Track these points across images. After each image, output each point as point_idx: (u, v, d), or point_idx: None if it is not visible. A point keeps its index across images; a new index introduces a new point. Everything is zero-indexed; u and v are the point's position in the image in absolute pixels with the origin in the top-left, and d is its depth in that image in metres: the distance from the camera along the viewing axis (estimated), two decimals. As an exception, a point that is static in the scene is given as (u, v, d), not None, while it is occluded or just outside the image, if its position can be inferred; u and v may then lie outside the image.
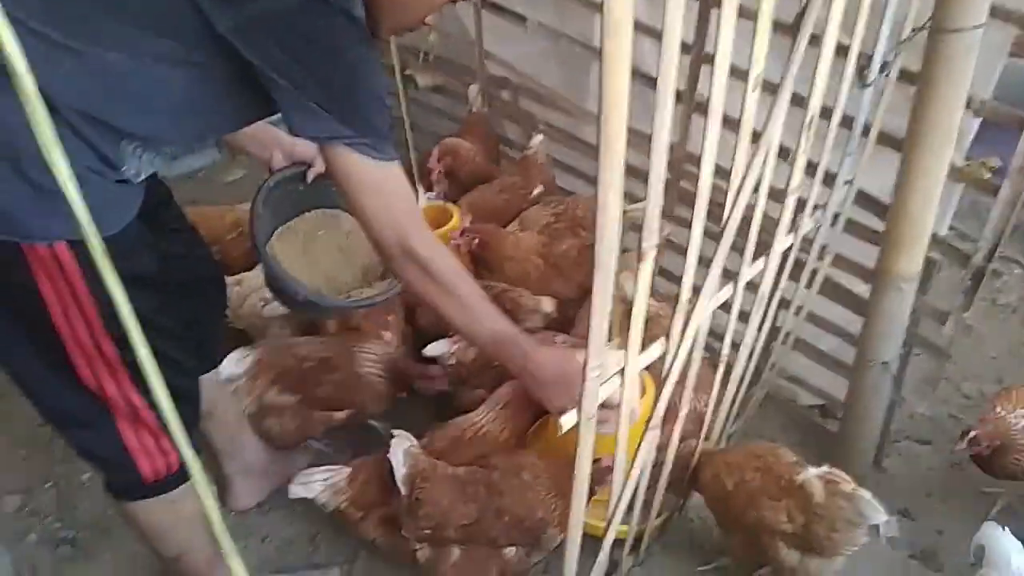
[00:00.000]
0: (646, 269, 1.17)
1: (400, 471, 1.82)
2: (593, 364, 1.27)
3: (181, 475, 1.63)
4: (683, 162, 2.52)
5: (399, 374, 2.29)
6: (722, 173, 1.39)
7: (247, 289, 2.50)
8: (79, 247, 1.29)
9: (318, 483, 1.97)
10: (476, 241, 2.62)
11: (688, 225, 1.33)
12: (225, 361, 2.13)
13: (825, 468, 1.81)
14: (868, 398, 2.21)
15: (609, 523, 1.65)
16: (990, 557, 1.57)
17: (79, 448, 1.58)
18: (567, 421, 1.37)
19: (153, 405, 1.47)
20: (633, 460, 1.60)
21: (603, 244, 1.07)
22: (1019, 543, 1.58)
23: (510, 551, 1.91)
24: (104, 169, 1.34)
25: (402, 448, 1.84)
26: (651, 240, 1.13)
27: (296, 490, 1.97)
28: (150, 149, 1.41)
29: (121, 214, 1.41)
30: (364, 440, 2.34)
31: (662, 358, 1.49)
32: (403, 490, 1.82)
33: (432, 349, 2.32)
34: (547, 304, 2.48)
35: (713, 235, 1.47)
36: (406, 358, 2.40)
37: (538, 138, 3.03)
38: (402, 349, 2.47)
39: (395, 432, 1.88)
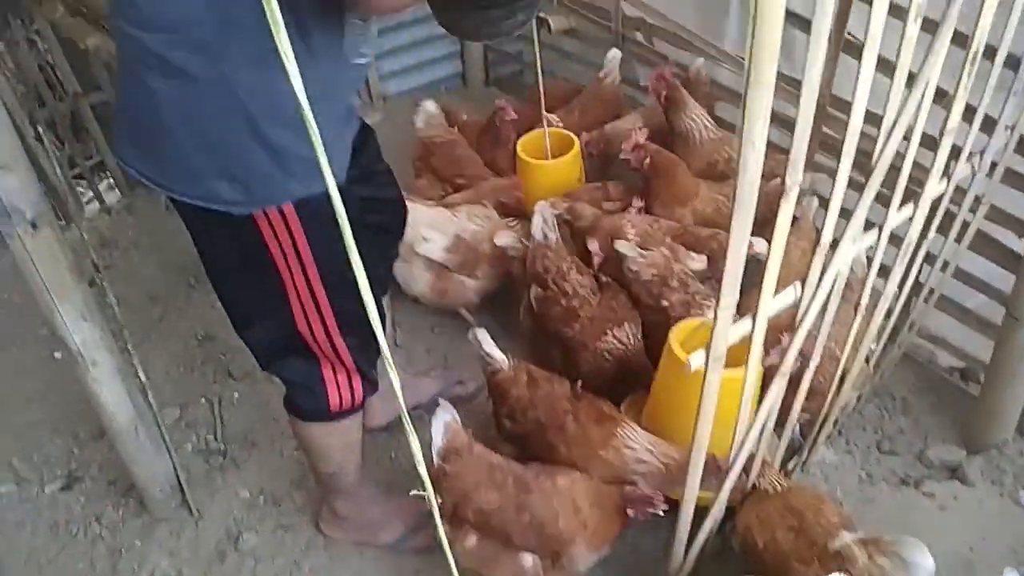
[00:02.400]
0: (787, 207, 1.15)
1: (438, 443, 1.83)
2: (725, 304, 1.26)
3: (357, 409, 1.80)
4: (827, 106, 2.40)
5: None
6: (868, 119, 1.33)
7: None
8: (303, 203, 1.39)
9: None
10: (647, 160, 2.51)
11: (829, 172, 1.28)
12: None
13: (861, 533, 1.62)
14: (1015, 360, 2.08)
15: (729, 470, 1.65)
16: None
17: (281, 375, 1.73)
18: (695, 361, 1.37)
19: (351, 348, 1.62)
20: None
21: (745, 181, 1.05)
22: None
23: (527, 559, 1.82)
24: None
25: (443, 420, 1.84)
26: (795, 176, 1.11)
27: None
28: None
29: (343, 155, 1.49)
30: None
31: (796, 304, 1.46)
32: (435, 460, 1.83)
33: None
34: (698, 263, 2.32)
35: (857, 186, 1.41)
36: None
37: (700, 60, 2.90)
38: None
39: (441, 401, 1.88)
